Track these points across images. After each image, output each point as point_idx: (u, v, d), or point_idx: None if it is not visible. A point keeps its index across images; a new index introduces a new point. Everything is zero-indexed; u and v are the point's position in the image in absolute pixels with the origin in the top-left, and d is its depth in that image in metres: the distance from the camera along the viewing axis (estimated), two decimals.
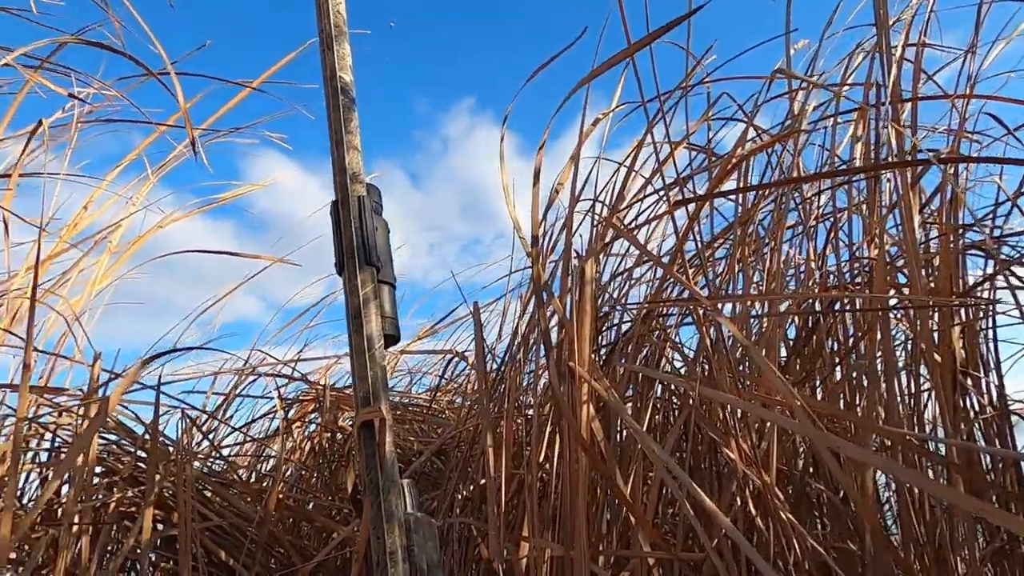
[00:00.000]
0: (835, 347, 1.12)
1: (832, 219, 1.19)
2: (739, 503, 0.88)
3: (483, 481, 0.91)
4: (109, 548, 0.98)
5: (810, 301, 1.13)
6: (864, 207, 1.13)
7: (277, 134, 1.46)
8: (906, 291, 1.05)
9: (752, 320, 1.12)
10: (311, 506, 1.29)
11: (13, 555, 0.85)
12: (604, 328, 1.15)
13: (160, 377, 0.87)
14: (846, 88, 1.12)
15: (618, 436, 1.00)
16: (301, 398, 1.50)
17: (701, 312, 1.01)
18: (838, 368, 1.10)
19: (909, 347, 1.13)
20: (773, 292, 1.10)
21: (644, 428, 0.93)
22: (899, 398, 0.98)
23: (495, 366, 1.21)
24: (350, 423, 1.47)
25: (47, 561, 0.85)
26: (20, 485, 1.04)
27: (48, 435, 0.96)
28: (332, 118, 0.65)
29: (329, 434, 1.35)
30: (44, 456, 0.99)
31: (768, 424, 0.96)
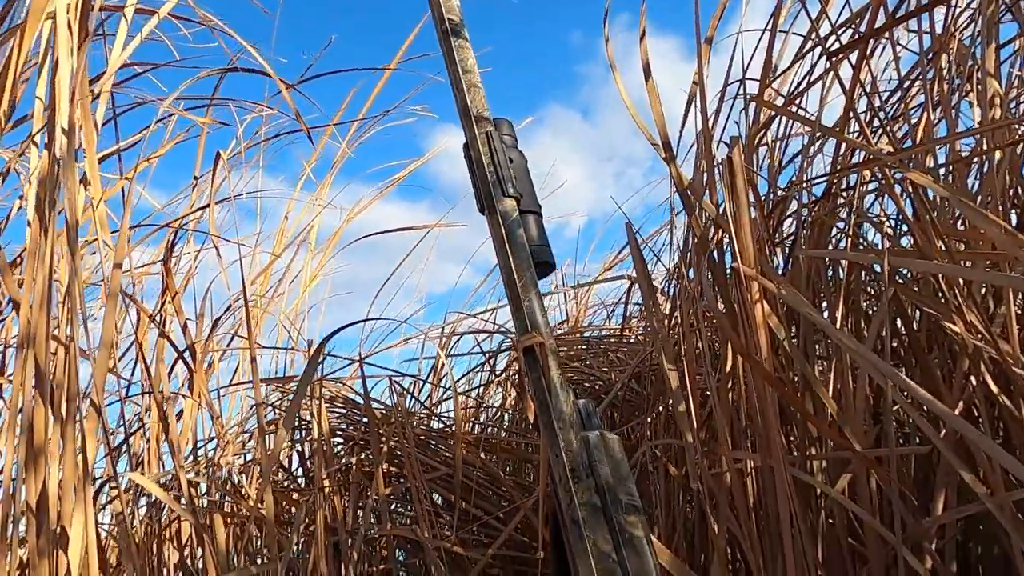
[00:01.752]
0: None
1: None
2: (975, 384, 0.75)
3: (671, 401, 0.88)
4: (360, 504, 1.12)
5: None
6: None
7: (421, 106, 1.51)
8: None
9: (973, 164, 0.93)
10: (527, 447, 1.36)
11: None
12: (784, 217, 1.03)
13: (360, 352, 0.97)
14: None
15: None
16: (503, 348, 1.58)
17: (891, 174, 0.87)
18: None
19: None
20: (993, 122, 0.89)
21: (839, 323, 0.83)
22: None
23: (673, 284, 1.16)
24: None
25: (310, 521, 1.00)
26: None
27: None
28: (448, 60, 0.65)
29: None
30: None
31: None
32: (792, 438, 0.86)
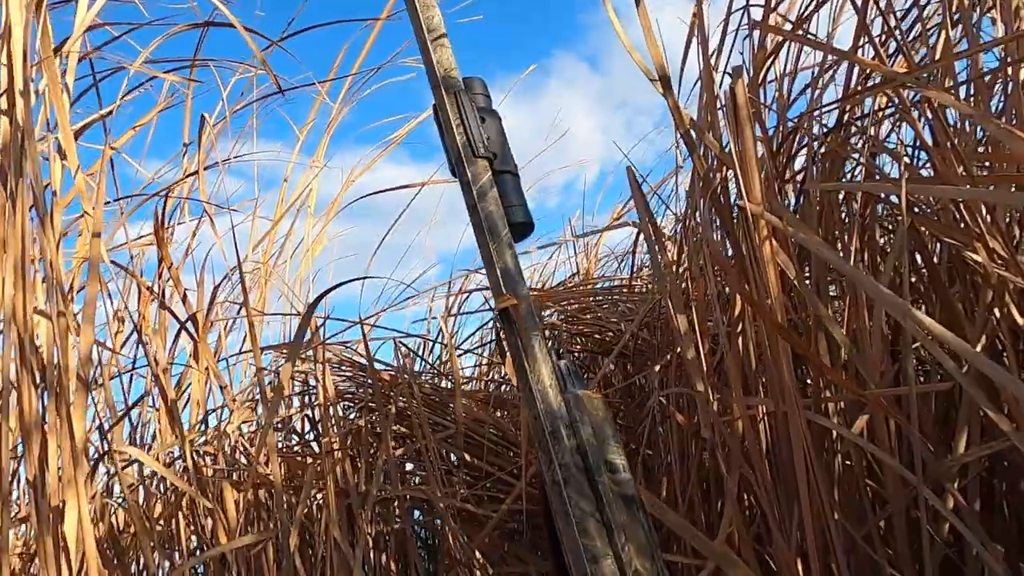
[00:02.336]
0: None
1: None
2: (999, 317, 0.71)
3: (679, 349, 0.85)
4: (372, 465, 1.12)
5: None
6: None
7: (413, 58, 1.46)
8: None
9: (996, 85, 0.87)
10: None
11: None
12: (795, 153, 0.98)
13: (360, 314, 0.95)
14: None
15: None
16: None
17: (908, 98, 0.81)
18: None
19: None
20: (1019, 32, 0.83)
21: (852, 259, 0.79)
22: None
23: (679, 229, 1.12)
24: (556, 317, 1.49)
25: (323, 485, 0.99)
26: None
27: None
28: (412, 19, 0.63)
29: None
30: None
31: None
32: (807, 380, 0.83)
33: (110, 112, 0.88)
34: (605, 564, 0.54)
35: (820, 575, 0.66)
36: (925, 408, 0.83)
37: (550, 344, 0.60)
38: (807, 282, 0.81)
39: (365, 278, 0.94)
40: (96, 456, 0.62)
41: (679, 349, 0.88)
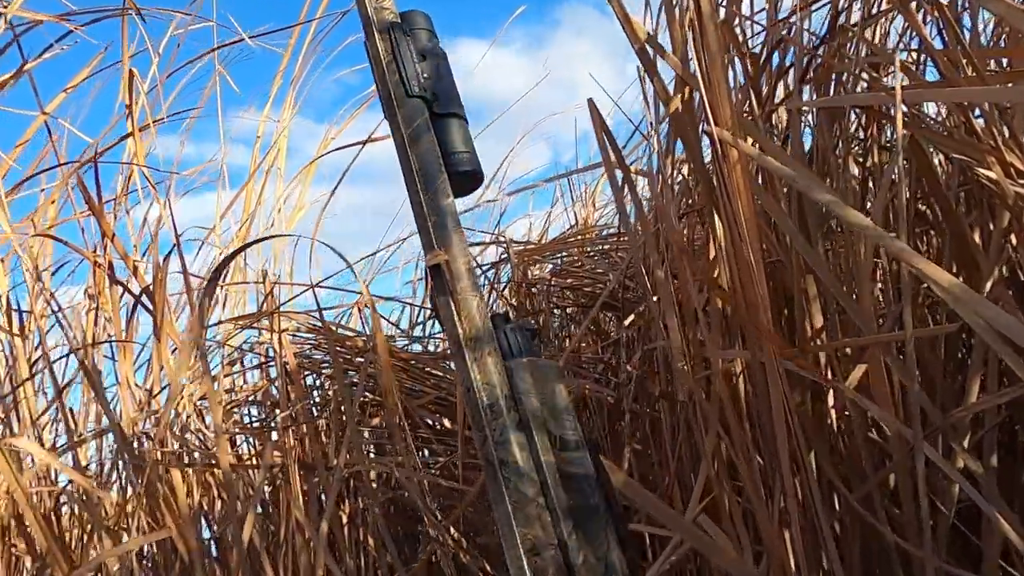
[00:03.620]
0: None
1: None
2: (1016, 243, 0.61)
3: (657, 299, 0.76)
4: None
5: None
6: None
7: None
8: None
9: None
10: None
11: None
12: (783, 72, 0.87)
13: (311, 278, 0.88)
14: None
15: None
16: (496, 261, 1.47)
17: None
18: None
19: None
20: None
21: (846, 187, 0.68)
22: None
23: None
24: (548, 271, 1.41)
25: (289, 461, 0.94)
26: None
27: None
28: None
29: (525, 289, 1.31)
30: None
31: None
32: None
33: (27, 69, 0.80)
34: (547, 555, 0.47)
35: (804, 544, 0.58)
36: (935, 351, 0.73)
37: (503, 308, 0.54)
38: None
39: (277, 236, 0.86)
40: None
41: (655, 299, 0.80)
